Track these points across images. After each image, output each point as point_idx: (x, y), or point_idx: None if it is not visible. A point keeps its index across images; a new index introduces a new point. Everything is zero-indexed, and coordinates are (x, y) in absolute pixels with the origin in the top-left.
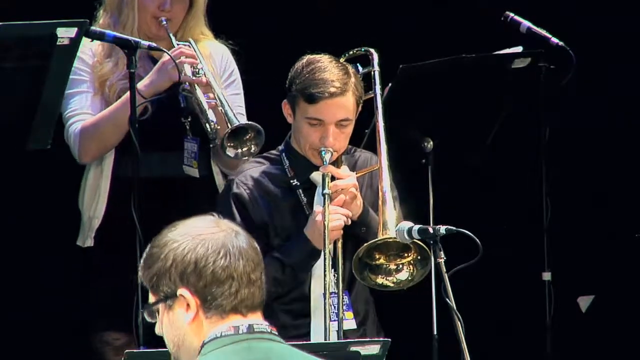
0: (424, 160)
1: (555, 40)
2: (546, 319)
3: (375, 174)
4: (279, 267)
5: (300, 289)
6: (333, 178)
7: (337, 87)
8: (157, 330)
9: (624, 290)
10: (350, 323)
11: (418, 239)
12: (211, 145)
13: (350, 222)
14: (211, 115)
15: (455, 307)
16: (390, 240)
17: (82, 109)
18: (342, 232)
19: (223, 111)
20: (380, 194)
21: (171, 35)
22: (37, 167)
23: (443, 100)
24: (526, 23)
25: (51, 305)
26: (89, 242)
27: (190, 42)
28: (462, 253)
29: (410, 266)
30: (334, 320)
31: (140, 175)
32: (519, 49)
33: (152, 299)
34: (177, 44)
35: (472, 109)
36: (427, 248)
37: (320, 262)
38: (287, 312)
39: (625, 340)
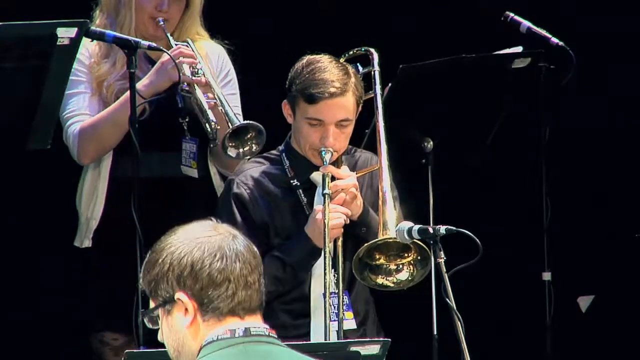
0: (424, 160)
1: (555, 40)
2: (546, 319)
3: (375, 174)
4: (280, 266)
5: (300, 289)
6: (333, 178)
7: (337, 88)
8: (160, 337)
9: (624, 290)
10: (350, 323)
11: (418, 239)
12: (211, 145)
13: (350, 222)
14: (211, 115)
15: (455, 307)
16: (391, 240)
17: (80, 110)
18: (342, 230)
19: (223, 111)
20: (380, 194)
21: (169, 35)
22: (37, 167)
23: (443, 100)
24: (526, 23)
25: (51, 305)
26: (87, 243)
27: (188, 42)
28: (462, 253)
29: (411, 266)
30: (334, 320)
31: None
32: (519, 49)
33: (152, 304)
34: (176, 44)
35: (472, 109)
36: (427, 248)
37: (320, 261)
38: (287, 312)
39: (625, 340)
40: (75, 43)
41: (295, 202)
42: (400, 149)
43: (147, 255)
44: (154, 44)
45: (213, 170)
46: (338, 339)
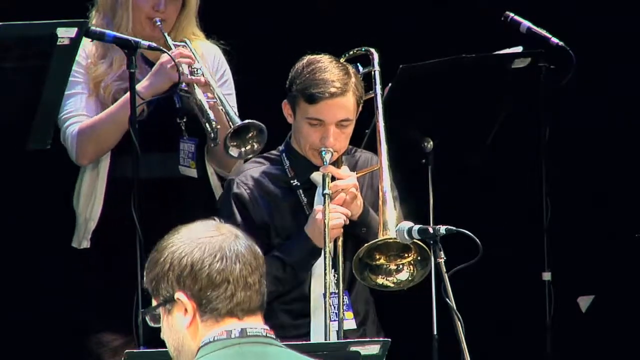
0: (424, 160)
1: (555, 40)
2: (546, 319)
3: (375, 174)
4: (280, 266)
5: (301, 289)
6: (333, 178)
7: (337, 88)
8: (162, 335)
9: (624, 290)
10: (350, 323)
11: (418, 239)
12: (212, 145)
13: (350, 222)
14: (212, 114)
15: (455, 307)
16: (391, 240)
17: (77, 111)
18: (342, 230)
19: (224, 110)
20: (380, 194)
21: (167, 35)
22: (37, 167)
23: (443, 100)
24: (526, 23)
25: (51, 305)
26: (85, 244)
27: (186, 42)
28: (462, 253)
29: (411, 266)
30: (334, 320)
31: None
32: (519, 49)
33: (154, 302)
34: (173, 45)
35: (472, 109)
36: (427, 248)
37: (320, 261)
38: (287, 312)
39: (625, 340)
40: (75, 43)
41: (295, 202)
42: (400, 149)
43: (150, 254)
44: (154, 44)
45: (210, 171)
46: (338, 339)
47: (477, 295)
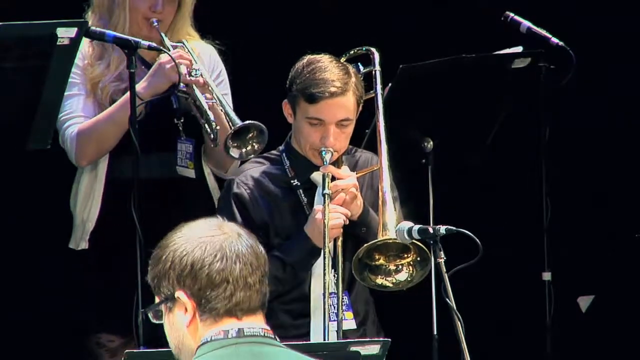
0: (424, 160)
1: (555, 40)
2: (546, 319)
3: (375, 174)
4: (280, 266)
5: (300, 289)
6: (333, 178)
7: (337, 87)
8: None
9: (624, 290)
10: (350, 323)
11: (418, 239)
12: (212, 146)
13: (349, 222)
14: (212, 115)
15: (455, 307)
16: (390, 241)
17: (76, 112)
18: (341, 230)
19: (224, 111)
20: (380, 194)
21: (164, 36)
22: (38, 167)
23: (443, 100)
24: (526, 23)
25: (50, 305)
26: (84, 245)
27: (183, 43)
28: (462, 253)
29: (410, 267)
30: (333, 320)
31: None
32: (519, 49)
33: (156, 300)
34: (171, 45)
35: (472, 109)
36: (426, 249)
37: (320, 261)
38: (287, 312)
39: (625, 340)
40: (75, 43)
41: (295, 202)
42: (400, 149)
43: (154, 250)
44: (154, 44)
45: (207, 171)
46: (337, 339)
47: (477, 295)
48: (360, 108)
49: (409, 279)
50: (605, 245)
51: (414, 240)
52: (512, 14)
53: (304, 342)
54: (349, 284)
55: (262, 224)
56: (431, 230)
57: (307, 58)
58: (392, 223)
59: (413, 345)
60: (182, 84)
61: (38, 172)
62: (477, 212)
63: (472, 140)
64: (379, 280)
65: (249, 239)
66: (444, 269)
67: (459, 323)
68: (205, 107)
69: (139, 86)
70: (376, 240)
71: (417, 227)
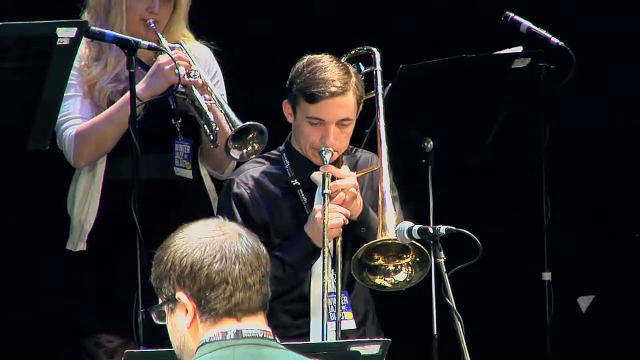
0: (424, 160)
1: (555, 40)
2: (546, 319)
3: (376, 174)
4: (280, 266)
5: (300, 289)
6: (333, 178)
7: (337, 87)
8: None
9: (624, 290)
10: (349, 323)
11: (418, 239)
12: (212, 147)
13: (349, 221)
14: (212, 116)
15: (455, 307)
16: (389, 241)
17: (73, 113)
18: (341, 230)
19: (224, 112)
20: (380, 194)
21: (162, 37)
22: (38, 168)
23: (443, 100)
24: (526, 23)
25: (50, 305)
26: (82, 246)
27: (181, 44)
28: (462, 253)
29: (409, 267)
30: (333, 320)
31: (130, 178)
32: (519, 49)
33: (160, 301)
34: (169, 46)
35: (472, 109)
36: (426, 250)
37: (320, 261)
38: (287, 312)
39: (625, 340)
40: (75, 43)
41: (295, 202)
42: (400, 149)
43: (156, 252)
44: (154, 44)
45: (204, 172)
46: (336, 339)
47: (477, 295)
48: (361, 108)
49: (407, 279)
50: (605, 245)
51: (413, 241)
52: (512, 14)
53: (304, 342)
54: (349, 284)
55: (262, 224)
56: (431, 230)
57: (307, 58)
58: (392, 223)
59: (413, 345)
60: (180, 85)
61: (38, 172)
62: (477, 212)
63: (472, 140)
64: (378, 280)
65: (250, 240)
66: (444, 269)
67: (459, 323)
68: (205, 108)
69: (138, 87)
70: (375, 241)
71: (417, 227)
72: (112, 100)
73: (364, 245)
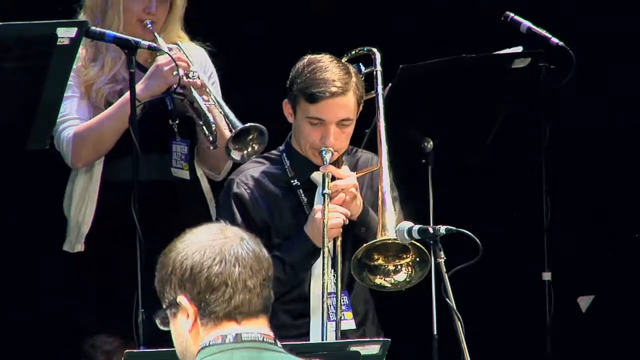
0: (424, 160)
1: (555, 40)
2: (546, 319)
3: (376, 174)
4: (280, 266)
5: (300, 289)
6: (333, 178)
7: (338, 87)
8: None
9: (624, 290)
10: (349, 323)
11: (418, 239)
12: (211, 148)
13: (349, 221)
14: (212, 117)
15: (455, 307)
16: (389, 241)
17: (71, 114)
18: (341, 230)
19: (223, 113)
20: (380, 194)
21: (159, 38)
22: (38, 168)
23: (443, 100)
24: (526, 23)
25: (49, 306)
26: (79, 247)
27: (178, 45)
28: (462, 253)
29: (409, 268)
30: (332, 321)
31: (128, 179)
32: (519, 49)
33: (163, 305)
34: (167, 47)
35: (472, 109)
36: (426, 250)
37: (320, 261)
38: (287, 312)
39: (625, 340)
40: (75, 43)
41: (295, 202)
42: (400, 149)
43: (159, 257)
44: (154, 44)
45: (200, 172)
46: (336, 339)
47: (477, 295)
48: (361, 108)
49: (407, 279)
50: (605, 245)
51: (413, 241)
52: (512, 14)
53: (304, 342)
54: (349, 284)
55: (262, 224)
56: (431, 230)
57: (307, 58)
58: (392, 223)
59: (413, 345)
60: (178, 86)
61: (38, 172)
62: (477, 212)
63: (472, 140)
64: (378, 280)
65: (252, 243)
66: (444, 269)
67: (459, 323)
68: (205, 109)
69: (137, 88)
70: (375, 240)
71: (417, 227)
72: (109, 101)
73: (364, 245)
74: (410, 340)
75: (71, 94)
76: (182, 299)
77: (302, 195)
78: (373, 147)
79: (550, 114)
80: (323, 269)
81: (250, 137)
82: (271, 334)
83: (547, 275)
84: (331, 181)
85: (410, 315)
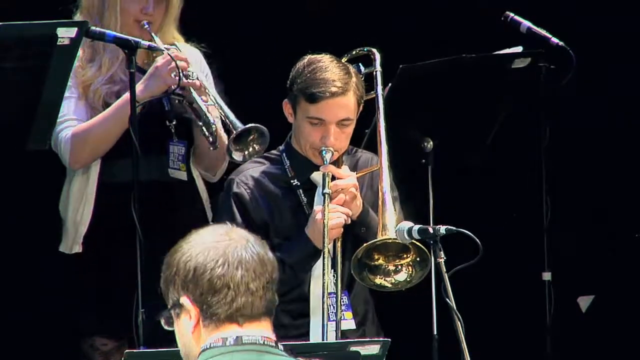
0: (424, 160)
1: (555, 40)
2: (546, 319)
3: (376, 174)
4: (280, 267)
5: (300, 289)
6: (333, 178)
7: (338, 87)
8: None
9: (624, 290)
10: (349, 323)
11: (418, 239)
12: (211, 149)
13: (350, 221)
14: (212, 118)
15: (455, 307)
16: (389, 241)
17: (68, 115)
18: (342, 230)
19: (223, 114)
20: (380, 194)
21: (157, 38)
22: (37, 168)
23: (443, 100)
24: (526, 23)
25: (46, 307)
26: (77, 249)
27: (176, 45)
28: (462, 253)
29: (409, 267)
30: (332, 321)
31: (125, 180)
32: (519, 49)
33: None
34: (166, 48)
35: (472, 109)
36: (426, 250)
37: (320, 262)
38: (287, 312)
39: (625, 340)
40: (75, 43)
41: (295, 202)
42: (400, 149)
43: (165, 257)
44: (154, 44)
45: (196, 174)
46: (336, 339)
47: (477, 295)
48: (361, 108)
49: (407, 279)
50: (605, 245)
51: (413, 241)
52: (512, 14)
53: (304, 342)
54: (349, 284)
55: (262, 224)
56: (431, 230)
57: (307, 58)
58: (392, 223)
59: (413, 345)
60: (176, 87)
61: (38, 172)
62: (477, 212)
63: (472, 140)
64: (378, 280)
65: (257, 246)
66: (444, 269)
67: (459, 323)
68: (205, 109)
69: (136, 89)
70: (375, 240)
71: (417, 227)
72: (107, 101)
73: (364, 244)
74: (410, 340)
75: (69, 94)
76: (184, 300)
77: (302, 195)
78: (373, 147)
79: (550, 114)
80: (323, 269)
81: (251, 137)
82: (273, 337)
83: (547, 275)
84: (331, 181)
85: (410, 315)
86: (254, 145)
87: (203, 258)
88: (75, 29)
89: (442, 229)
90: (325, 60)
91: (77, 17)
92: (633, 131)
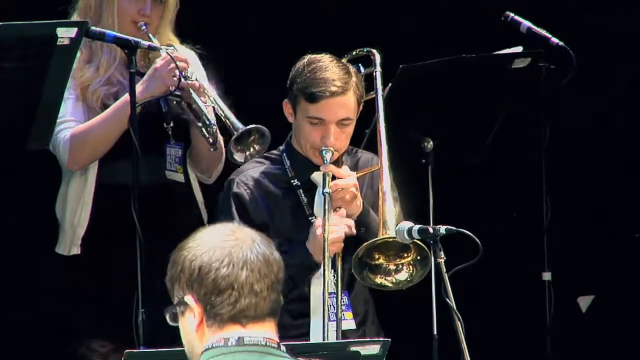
0: (424, 160)
1: (555, 40)
2: (546, 319)
3: (376, 174)
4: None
5: (300, 289)
6: (334, 177)
7: (338, 87)
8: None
9: (624, 290)
10: (349, 323)
11: (418, 239)
12: (211, 150)
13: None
14: (212, 119)
15: (455, 307)
16: (390, 240)
17: (66, 116)
18: (342, 245)
19: (223, 115)
20: (380, 194)
21: (154, 40)
22: (37, 168)
23: (443, 100)
24: (526, 23)
25: (44, 309)
26: (75, 250)
27: (174, 47)
28: (462, 253)
29: (410, 266)
30: (333, 320)
31: (123, 182)
32: (519, 49)
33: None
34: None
35: (472, 109)
36: (426, 249)
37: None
38: (287, 312)
39: (625, 340)
40: (75, 43)
41: (295, 202)
42: (400, 149)
43: (172, 254)
44: (154, 45)
45: (192, 176)
46: (336, 339)
47: (477, 295)
48: (361, 108)
49: (408, 278)
50: (605, 245)
51: (414, 240)
52: (512, 14)
53: (304, 342)
54: (349, 284)
55: (262, 224)
56: (431, 230)
57: (307, 57)
58: (392, 222)
59: (413, 345)
60: (175, 88)
61: (38, 172)
62: (477, 212)
63: (472, 140)
64: (379, 279)
65: (262, 246)
66: (444, 269)
67: (459, 323)
68: (204, 110)
69: (136, 90)
70: (376, 239)
71: (417, 227)
72: (105, 102)
73: (365, 243)
74: (410, 340)
75: (67, 95)
76: (189, 298)
77: (302, 195)
78: (373, 147)
79: (550, 114)
80: (323, 269)
81: (252, 138)
82: (276, 338)
83: (547, 275)
84: (331, 181)
85: (410, 315)
86: (255, 145)
87: (208, 257)
88: (75, 29)
89: (442, 229)
90: (325, 60)
91: (73, 18)
92: (633, 131)
